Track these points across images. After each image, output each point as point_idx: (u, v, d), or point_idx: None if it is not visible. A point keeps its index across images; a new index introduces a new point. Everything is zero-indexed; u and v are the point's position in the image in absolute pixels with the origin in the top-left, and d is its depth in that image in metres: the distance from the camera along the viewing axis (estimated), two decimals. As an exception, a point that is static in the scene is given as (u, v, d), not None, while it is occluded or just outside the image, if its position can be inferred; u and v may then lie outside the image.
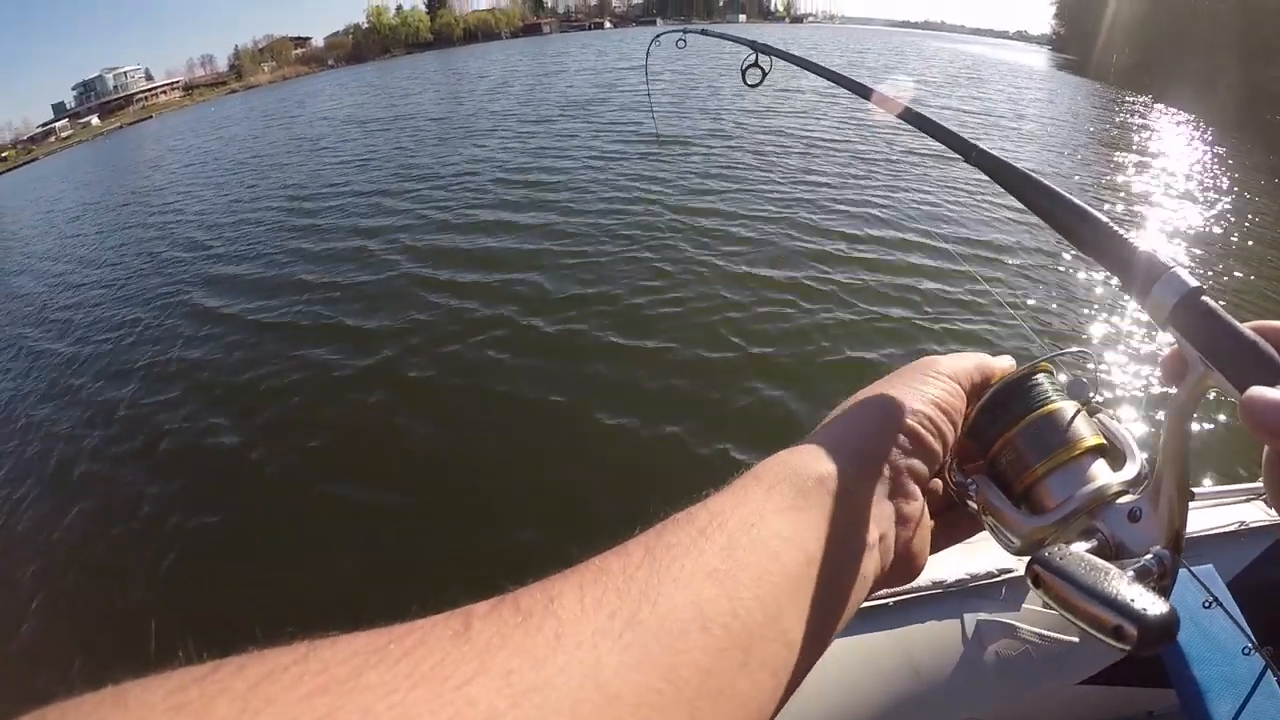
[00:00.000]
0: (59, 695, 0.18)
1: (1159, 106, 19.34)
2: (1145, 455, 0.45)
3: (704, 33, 2.01)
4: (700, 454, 3.77)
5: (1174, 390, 0.39)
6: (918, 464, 0.44)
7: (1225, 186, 9.84)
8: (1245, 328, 0.35)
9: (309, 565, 3.36)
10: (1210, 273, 6.44)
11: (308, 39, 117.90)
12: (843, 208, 7.60)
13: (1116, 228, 0.43)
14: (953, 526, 0.50)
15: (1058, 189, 0.49)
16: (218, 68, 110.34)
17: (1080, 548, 0.37)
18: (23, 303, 9.08)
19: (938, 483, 0.49)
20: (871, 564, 0.40)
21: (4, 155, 75.02)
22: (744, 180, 8.83)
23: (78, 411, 5.31)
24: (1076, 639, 1.40)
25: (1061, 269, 5.91)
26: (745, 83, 1.58)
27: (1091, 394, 0.48)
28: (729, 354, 4.68)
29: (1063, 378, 0.49)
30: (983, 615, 1.49)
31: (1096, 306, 5.34)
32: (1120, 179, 10.03)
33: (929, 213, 7.68)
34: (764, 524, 0.36)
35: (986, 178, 0.59)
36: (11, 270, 11.47)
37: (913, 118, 0.78)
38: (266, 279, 7.35)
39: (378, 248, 7.67)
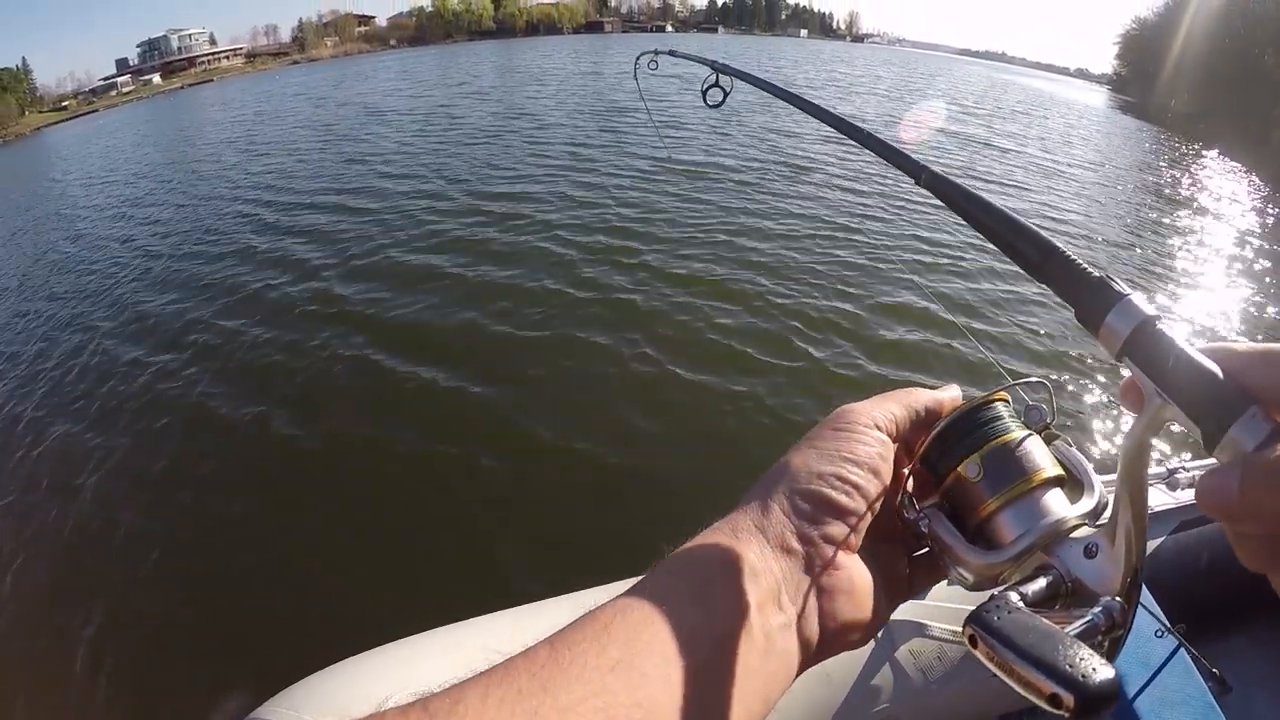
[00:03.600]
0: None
1: (1210, 153, 19.06)
2: (1104, 486, 0.44)
3: (672, 54, 2.07)
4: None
5: (1132, 421, 0.37)
6: (837, 530, 0.43)
7: (1266, 240, 9.68)
8: (1203, 356, 0.33)
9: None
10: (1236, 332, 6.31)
11: (372, 17, 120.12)
12: (785, 228, 7.53)
13: (1071, 255, 0.42)
14: (935, 564, 0.48)
15: (1012, 214, 0.47)
16: (281, 38, 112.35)
17: (1032, 588, 0.39)
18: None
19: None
20: (790, 642, 0.40)
21: (65, 104, 77.03)
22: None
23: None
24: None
25: (1023, 298, 5.87)
26: (705, 103, 1.58)
27: (1050, 422, 0.48)
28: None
29: (1019, 407, 0.48)
30: (894, 616, 1.49)
31: (1058, 335, 5.29)
32: (1158, 223, 9.95)
33: (887, 238, 7.57)
34: (667, 615, 0.36)
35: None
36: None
37: (864, 138, 0.78)
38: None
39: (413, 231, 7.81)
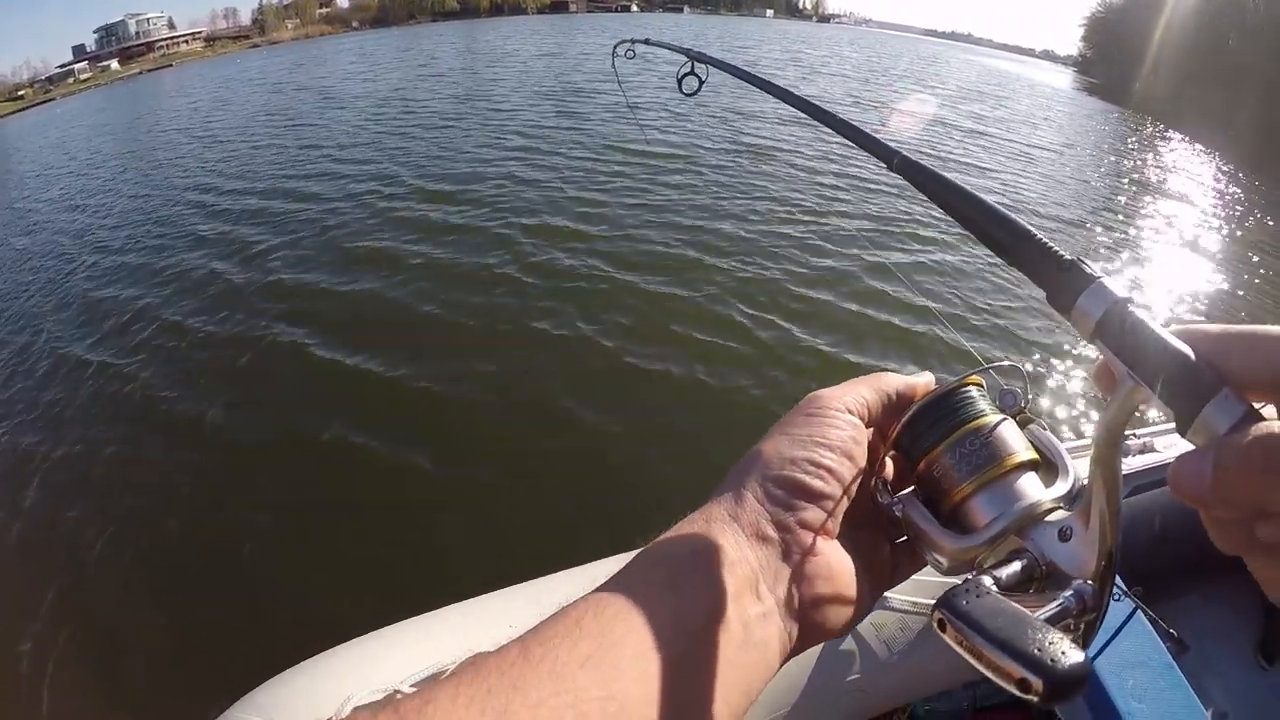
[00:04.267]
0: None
1: (1176, 135, 19.41)
2: (1078, 469, 0.44)
3: (647, 42, 2.08)
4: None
5: (1105, 404, 0.37)
6: (813, 515, 0.42)
7: (1233, 223, 9.93)
8: (1174, 338, 0.33)
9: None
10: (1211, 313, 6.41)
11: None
12: (751, 210, 7.48)
13: (1043, 238, 0.41)
14: (917, 550, 0.47)
15: (982, 197, 0.47)
16: (241, 21, 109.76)
17: (1006, 572, 0.39)
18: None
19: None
20: (771, 633, 0.39)
21: (20, 94, 74.42)
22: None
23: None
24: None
25: (995, 284, 5.92)
26: (682, 91, 1.57)
27: (1024, 405, 0.48)
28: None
29: (993, 392, 0.48)
30: None
31: (1031, 319, 5.34)
32: (1126, 206, 10.15)
33: (860, 224, 7.47)
34: (640, 608, 0.36)
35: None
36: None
37: (836, 124, 0.78)
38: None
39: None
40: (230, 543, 3.33)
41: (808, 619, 0.41)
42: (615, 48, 2.45)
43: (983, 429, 0.45)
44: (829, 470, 0.43)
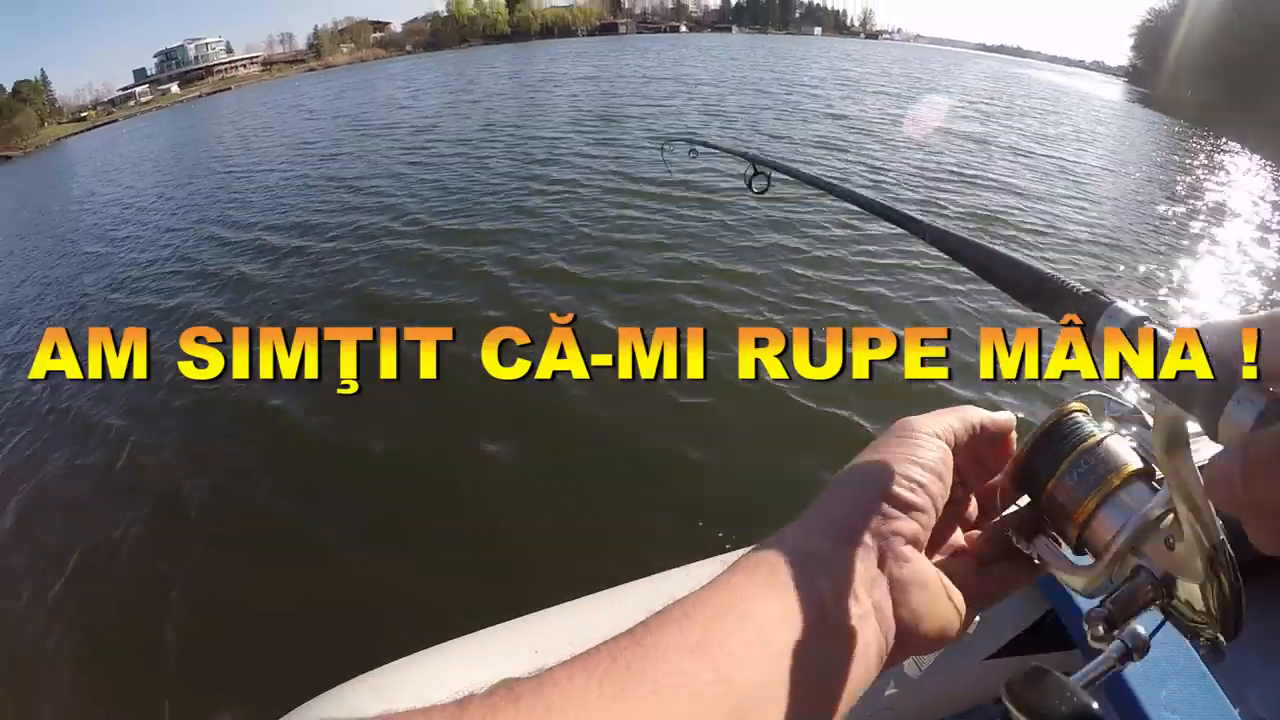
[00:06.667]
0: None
1: (1236, 146, 18.26)
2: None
3: (705, 144, 2.05)
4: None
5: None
6: (906, 526, 0.43)
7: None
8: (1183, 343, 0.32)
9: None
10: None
11: (386, 23, 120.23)
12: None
13: (1059, 276, 0.43)
14: (1011, 574, 0.50)
15: (1004, 250, 0.50)
16: (296, 46, 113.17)
17: (1121, 597, 0.41)
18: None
19: (974, 534, 0.52)
20: (870, 635, 0.39)
21: (84, 115, 78.11)
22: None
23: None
24: (975, 618, 1.33)
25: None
26: (751, 190, 1.53)
27: (1126, 415, 0.48)
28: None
29: (1094, 412, 0.49)
30: None
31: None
32: (1178, 226, 9.47)
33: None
34: (747, 604, 0.37)
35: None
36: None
37: (877, 209, 0.80)
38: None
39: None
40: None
41: (904, 624, 0.42)
42: (662, 147, 2.46)
43: (1093, 447, 0.46)
44: (921, 485, 0.45)
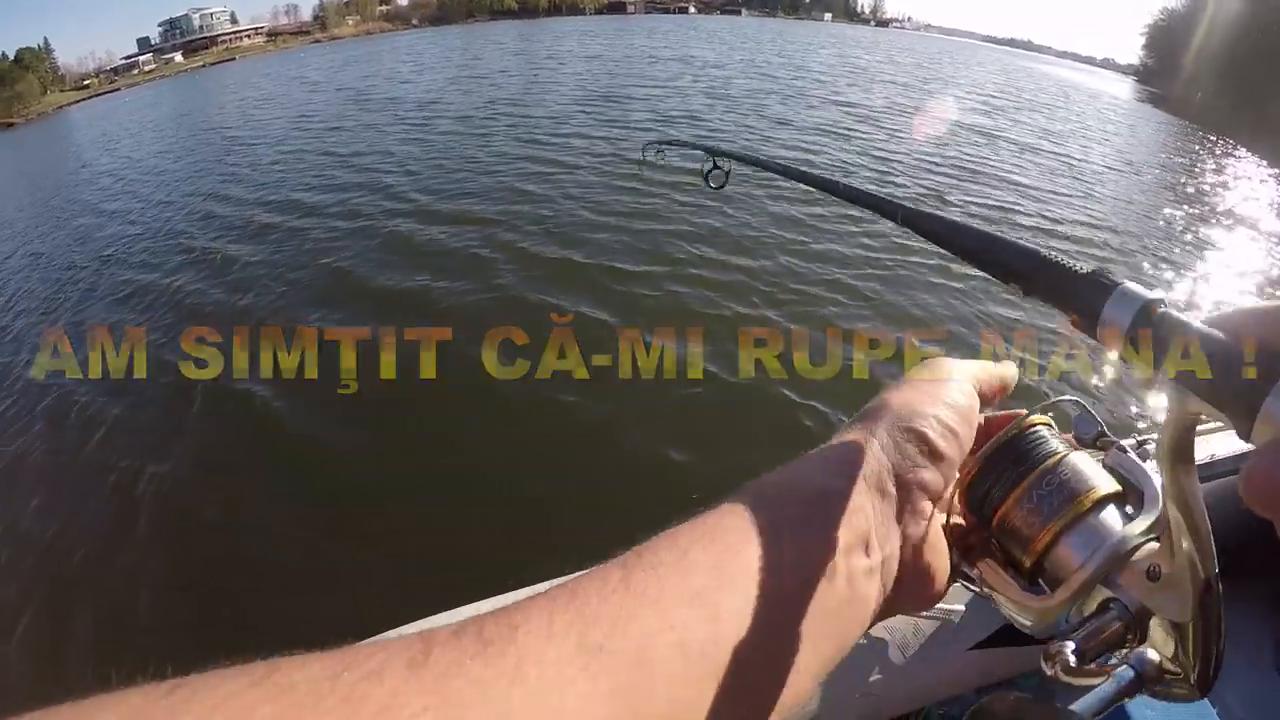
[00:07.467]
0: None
1: (1244, 151, 18.15)
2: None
3: (671, 144, 2.05)
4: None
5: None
6: (930, 477, 0.40)
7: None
8: (1211, 330, 0.28)
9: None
10: None
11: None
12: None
13: (1056, 256, 0.38)
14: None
15: (988, 231, 0.44)
16: (301, 17, 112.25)
17: (1087, 636, 0.36)
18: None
19: (956, 505, 0.46)
20: (873, 589, 0.38)
21: (86, 83, 77.67)
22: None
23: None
24: (962, 607, 1.34)
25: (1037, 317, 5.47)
26: (709, 185, 1.52)
27: (1100, 432, 0.44)
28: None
29: (1061, 424, 0.45)
30: None
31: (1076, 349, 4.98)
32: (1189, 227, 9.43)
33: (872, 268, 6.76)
34: (755, 544, 0.34)
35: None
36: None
37: (842, 191, 0.75)
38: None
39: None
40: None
41: (903, 583, 0.40)
42: (643, 149, 2.45)
43: (1053, 468, 0.41)
44: (953, 433, 0.42)
